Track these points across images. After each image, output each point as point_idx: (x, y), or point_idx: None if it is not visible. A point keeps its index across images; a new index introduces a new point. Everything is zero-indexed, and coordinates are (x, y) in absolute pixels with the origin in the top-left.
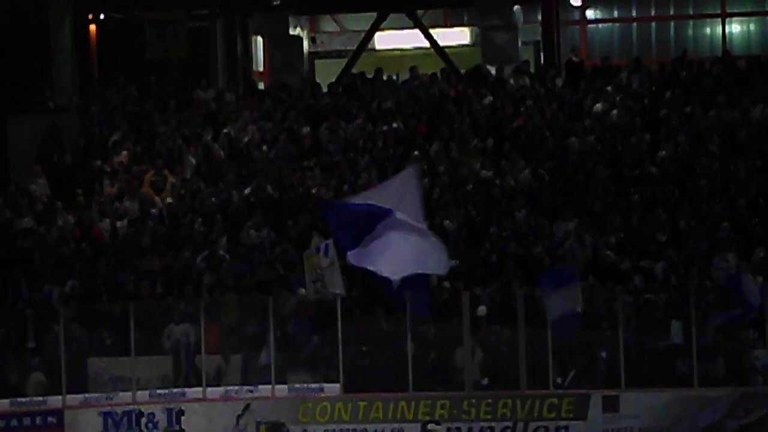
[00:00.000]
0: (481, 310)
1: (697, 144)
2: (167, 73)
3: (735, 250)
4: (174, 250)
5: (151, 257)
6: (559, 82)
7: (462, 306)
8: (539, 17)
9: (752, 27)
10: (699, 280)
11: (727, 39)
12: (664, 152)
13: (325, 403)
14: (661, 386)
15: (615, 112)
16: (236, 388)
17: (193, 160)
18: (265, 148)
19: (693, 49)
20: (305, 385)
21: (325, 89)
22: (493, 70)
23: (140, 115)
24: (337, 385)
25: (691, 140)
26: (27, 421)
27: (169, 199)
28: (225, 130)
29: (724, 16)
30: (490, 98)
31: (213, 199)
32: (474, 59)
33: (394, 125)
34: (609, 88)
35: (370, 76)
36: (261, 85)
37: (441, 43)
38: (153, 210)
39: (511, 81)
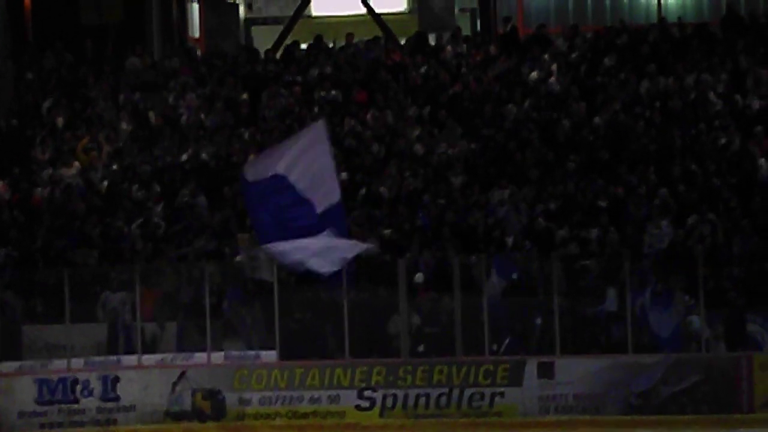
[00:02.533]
0: (418, 277)
1: (632, 112)
2: (103, 39)
3: (669, 218)
4: (109, 217)
5: (86, 224)
6: (493, 50)
7: (398, 273)
8: None
9: None
10: (633, 247)
11: (662, 7)
12: (599, 119)
13: (261, 371)
14: (596, 353)
15: (551, 80)
16: (172, 355)
17: (128, 127)
18: (201, 115)
19: (629, 16)
20: (241, 352)
21: (261, 56)
22: (431, 38)
23: (75, 81)
24: (274, 353)
25: (627, 108)
26: None
27: (104, 166)
28: (160, 97)
29: None
30: (426, 68)
31: (148, 166)
32: (411, 26)
33: (333, 92)
34: (545, 56)
35: (306, 44)
36: (197, 52)
37: (378, 9)
38: (88, 177)
39: (448, 48)
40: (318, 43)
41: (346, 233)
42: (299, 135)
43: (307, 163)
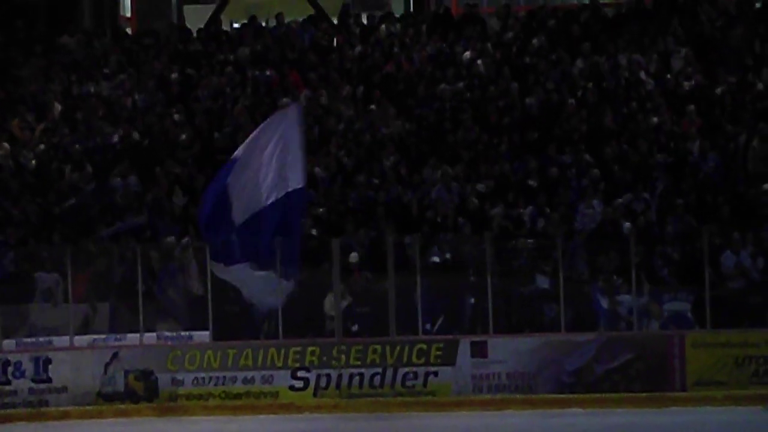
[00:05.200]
0: (353, 256)
1: (564, 91)
2: (33, 18)
3: (601, 197)
4: (41, 197)
5: (18, 204)
6: (425, 29)
7: (332, 253)
8: None
9: None
10: (566, 226)
11: None
12: (531, 99)
13: (194, 351)
14: (529, 331)
15: (480, 60)
16: (104, 336)
17: (60, 107)
18: (134, 95)
19: None
20: (174, 333)
21: (194, 35)
22: (363, 17)
23: (5, 61)
24: (207, 333)
25: (559, 87)
26: None
27: (35, 146)
28: (92, 76)
29: None
30: (360, 48)
31: (78, 146)
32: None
33: (267, 72)
34: (478, 36)
35: (239, 24)
36: (129, 31)
37: None
38: (19, 157)
39: (382, 28)
40: (250, 22)
41: (302, 216)
42: (272, 118)
43: (276, 146)
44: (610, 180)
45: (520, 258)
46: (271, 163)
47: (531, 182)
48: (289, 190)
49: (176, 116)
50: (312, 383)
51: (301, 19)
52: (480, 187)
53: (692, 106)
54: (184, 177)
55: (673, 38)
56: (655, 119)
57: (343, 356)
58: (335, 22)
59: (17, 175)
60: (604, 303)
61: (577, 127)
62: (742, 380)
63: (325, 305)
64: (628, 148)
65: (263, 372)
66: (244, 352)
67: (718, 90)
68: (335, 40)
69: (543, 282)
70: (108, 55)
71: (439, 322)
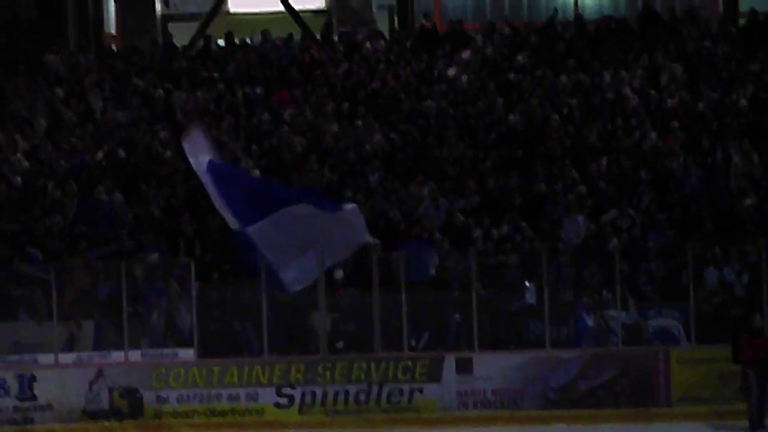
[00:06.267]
0: (338, 273)
1: (549, 107)
2: (17, 36)
3: (586, 213)
4: (25, 214)
5: (1, 221)
6: (408, 45)
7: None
8: None
9: None
10: (550, 243)
11: (579, 3)
12: (515, 116)
13: (179, 368)
14: (514, 348)
15: (465, 77)
16: (88, 353)
17: (44, 123)
18: (118, 112)
19: (546, 12)
20: (159, 350)
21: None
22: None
23: None
24: (191, 350)
25: (543, 104)
26: None
27: (20, 163)
28: (76, 94)
29: None
30: (346, 64)
31: (63, 162)
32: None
33: (253, 89)
34: (463, 54)
35: (223, 41)
36: (114, 48)
37: (295, 6)
38: (4, 174)
39: (367, 45)
40: (234, 39)
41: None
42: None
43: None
44: (595, 196)
45: (507, 274)
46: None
47: (515, 198)
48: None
49: (161, 133)
50: (297, 400)
51: (285, 36)
52: (462, 203)
53: (676, 123)
54: (168, 194)
55: (662, 53)
56: (638, 134)
57: (328, 373)
58: (319, 37)
59: (2, 191)
60: (589, 319)
61: (562, 143)
62: (727, 396)
63: (310, 322)
64: (612, 164)
65: (248, 389)
66: (229, 370)
67: (701, 106)
68: (320, 56)
69: (530, 298)
70: (92, 72)
71: (425, 338)
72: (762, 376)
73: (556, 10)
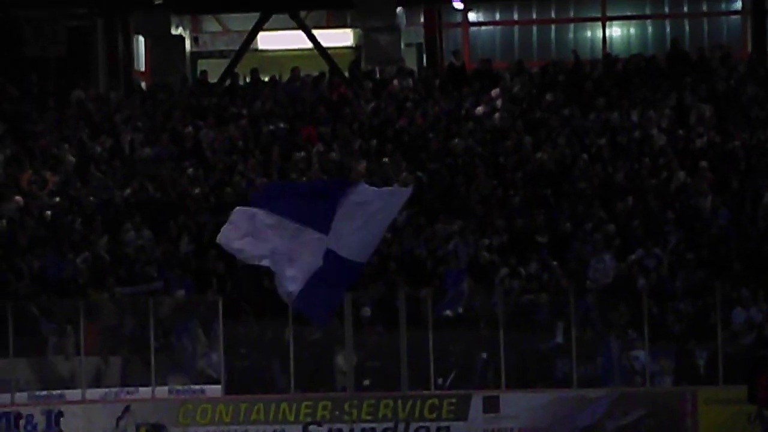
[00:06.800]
0: (365, 311)
1: (577, 146)
2: (47, 72)
3: (613, 252)
4: (53, 251)
5: (29, 257)
6: (437, 83)
7: (344, 307)
8: (422, 19)
9: (632, 30)
10: (578, 281)
11: (607, 42)
12: (543, 154)
13: (206, 405)
14: (541, 387)
15: (497, 115)
16: (116, 389)
17: (73, 160)
18: (146, 148)
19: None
20: (186, 386)
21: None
22: (377, 72)
23: (19, 115)
24: (218, 387)
25: (571, 142)
26: None
27: (48, 199)
28: (105, 130)
29: (605, 20)
30: (373, 102)
31: (92, 198)
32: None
33: (281, 125)
34: (492, 92)
35: (250, 78)
36: (143, 85)
37: (324, 44)
38: (32, 210)
39: (395, 82)
40: (264, 76)
41: (345, 286)
42: (386, 189)
43: (369, 212)
44: (622, 235)
45: (536, 312)
46: (354, 222)
47: (541, 237)
48: (354, 259)
49: (190, 170)
50: None
51: (316, 74)
52: (491, 241)
53: (704, 162)
54: (196, 230)
55: (690, 93)
56: (665, 174)
57: (354, 410)
58: (348, 75)
59: (30, 228)
60: (617, 359)
61: (589, 181)
62: None
63: (337, 359)
64: (639, 203)
65: (275, 426)
66: (256, 407)
67: (731, 146)
68: (347, 94)
69: (558, 337)
70: (122, 108)
71: (451, 376)
72: None
73: (575, 52)
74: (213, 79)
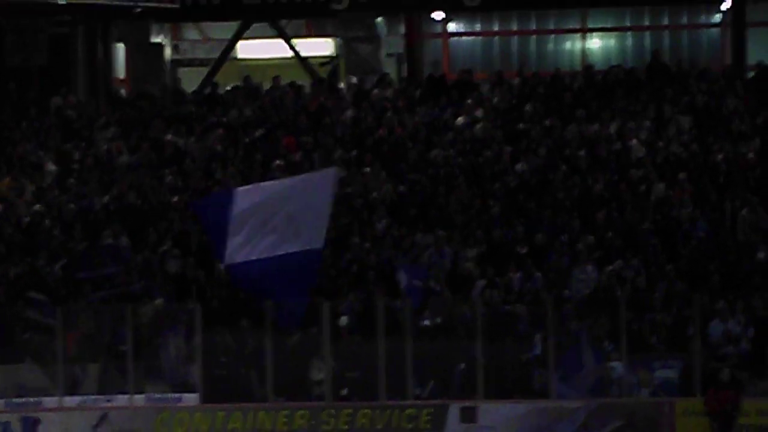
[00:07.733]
0: (343, 320)
1: (556, 157)
2: (27, 80)
3: (594, 263)
4: (31, 258)
5: (7, 264)
6: (417, 93)
7: (322, 316)
8: (402, 30)
9: (612, 42)
10: (557, 292)
11: (587, 54)
12: (523, 165)
13: (183, 414)
14: (519, 397)
15: (477, 126)
16: (93, 397)
17: (53, 167)
18: (126, 156)
19: (554, 63)
20: (163, 394)
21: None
22: (356, 81)
23: None
24: (196, 395)
25: (551, 153)
26: None
27: (26, 206)
28: (84, 138)
29: (585, 32)
30: (350, 112)
31: (71, 206)
32: (338, 71)
33: (261, 131)
34: (470, 101)
35: (230, 86)
36: (123, 93)
37: (304, 53)
38: (11, 217)
39: (375, 92)
40: (244, 84)
41: (314, 281)
42: (307, 176)
43: (305, 201)
44: (601, 246)
45: (515, 323)
46: (287, 214)
47: (521, 248)
48: (307, 248)
49: (169, 178)
50: None
51: (296, 83)
52: (471, 252)
53: (683, 174)
54: (176, 238)
55: (670, 105)
56: (644, 186)
57: (332, 420)
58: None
59: (8, 235)
60: (592, 368)
61: (568, 192)
62: None
63: (314, 369)
64: (619, 214)
65: None
66: (233, 415)
67: (710, 158)
68: (327, 103)
69: (537, 348)
70: (101, 116)
71: (429, 386)
72: (723, 428)
73: (557, 69)
74: (193, 87)
